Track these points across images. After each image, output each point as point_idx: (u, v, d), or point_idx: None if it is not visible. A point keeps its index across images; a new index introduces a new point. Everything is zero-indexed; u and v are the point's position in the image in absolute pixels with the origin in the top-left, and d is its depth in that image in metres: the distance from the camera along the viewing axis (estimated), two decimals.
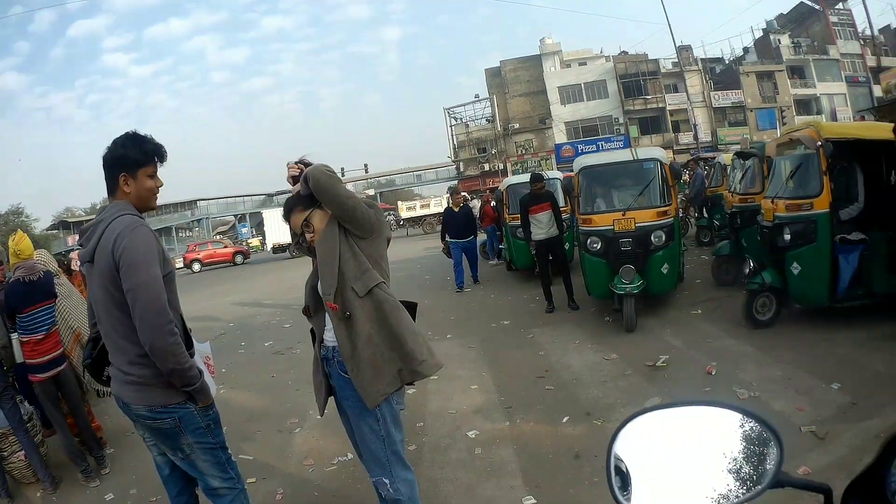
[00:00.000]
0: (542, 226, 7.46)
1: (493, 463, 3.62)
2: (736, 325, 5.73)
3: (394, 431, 2.54)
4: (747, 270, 5.81)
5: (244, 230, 50.55)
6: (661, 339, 5.69)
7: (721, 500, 0.84)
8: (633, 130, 38.31)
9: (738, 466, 0.87)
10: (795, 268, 5.38)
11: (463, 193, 13.44)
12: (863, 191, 5.47)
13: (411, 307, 2.66)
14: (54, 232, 51.06)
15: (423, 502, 2.90)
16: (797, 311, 5.73)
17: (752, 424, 0.90)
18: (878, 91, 33.89)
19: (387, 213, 33.21)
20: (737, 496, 0.84)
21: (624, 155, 7.30)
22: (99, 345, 2.53)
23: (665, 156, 7.01)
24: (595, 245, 6.40)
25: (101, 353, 2.54)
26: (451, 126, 44.45)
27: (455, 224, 10.28)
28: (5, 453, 4.45)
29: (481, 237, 13.16)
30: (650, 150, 7.60)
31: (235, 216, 54.87)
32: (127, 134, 2.35)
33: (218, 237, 45.32)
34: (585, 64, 41.81)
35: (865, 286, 5.37)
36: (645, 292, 6.21)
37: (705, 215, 11.96)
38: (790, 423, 3.76)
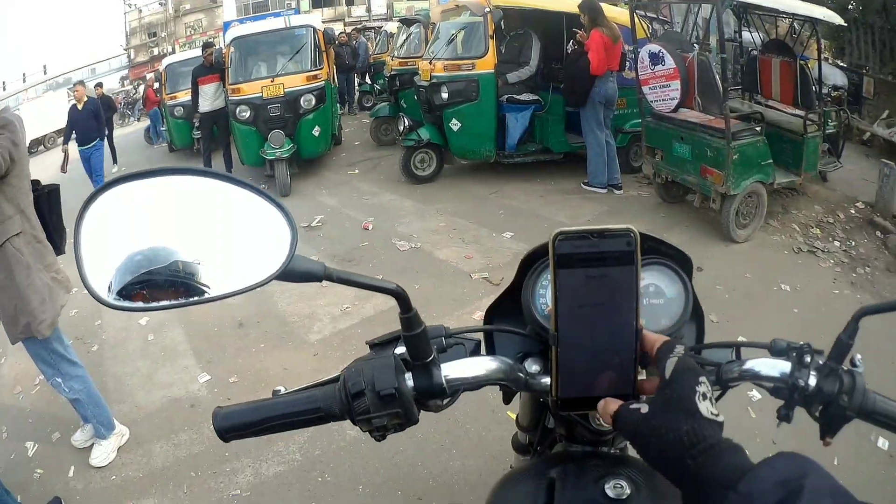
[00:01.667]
0: (206, 97, 7.26)
1: (166, 347, 3.79)
2: (395, 182, 6.12)
3: (51, 340, 2.62)
4: (401, 128, 6.16)
5: None
6: (317, 200, 5.97)
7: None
8: (305, 5, 35.98)
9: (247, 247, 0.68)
10: (455, 124, 5.76)
11: (89, 84, 10.96)
12: (538, 56, 5.90)
13: (54, 193, 2.73)
14: None
15: (114, 401, 3.12)
16: (462, 168, 6.20)
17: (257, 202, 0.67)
18: None
19: None
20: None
21: (277, 23, 7.23)
22: None
23: (319, 23, 7.12)
24: (244, 114, 6.43)
25: None
26: (125, 13, 39.52)
27: (78, 123, 7.68)
28: None
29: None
30: (304, 17, 7.65)
31: None
32: None
33: None
34: None
35: (540, 143, 5.95)
36: (297, 156, 6.45)
37: (368, 81, 12.27)
38: (459, 270, 4.18)
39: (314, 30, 6.87)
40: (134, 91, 22.75)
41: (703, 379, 0.58)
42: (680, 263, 0.81)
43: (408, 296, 0.66)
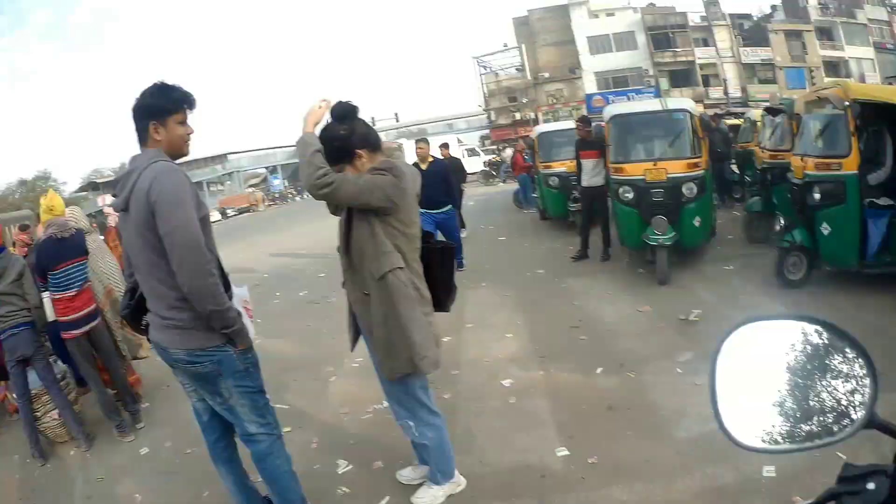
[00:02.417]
0: (586, 172, 7.27)
1: (528, 413, 3.61)
2: (767, 284, 5.60)
3: (415, 382, 2.63)
4: (778, 228, 5.73)
5: (276, 182, 50.47)
6: (694, 294, 5.61)
7: (811, 434, 0.83)
8: (664, 83, 37.80)
9: (832, 396, 0.84)
10: (825, 228, 5.25)
11: (443, 144, 10.00)
12: (891, 156, 5.35)
13: (449, 251, 2.79)
14: (83, 194, 49.57)
15: (459, 451, 2.96)
16: (828, 273, 5.59)
17: (849, 352, 0.85)
18: None
19: None
20: (828, 431, 0.82)
21: (654, 104, 7.16)
22: (136, 294, 2.54)
23: (694, 107, 6.84)
24: (627, 195, 6.30)
25: (138, 303, 2.54)
26: (481, 75, 44.53)
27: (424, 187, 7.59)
28: (38, 413, 4.48)
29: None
30: (680, 100, 7.44)
31: (267, 168, 53.73)
32: (154, 84, 2.35)
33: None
34: (613, 15, 41.11)
35: (893, 254, 5.25)
36: (677, 245, 6.13)
37: (736, 171, 11.63)
38: None
39: (690, 114, 6.62)
40: (498, 153, 25.10)
41: None
42: None
43: None
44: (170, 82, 2.38)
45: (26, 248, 5.48)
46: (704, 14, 38.09)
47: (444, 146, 8.43)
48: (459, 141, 30.30)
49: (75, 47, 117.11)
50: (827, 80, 32.15)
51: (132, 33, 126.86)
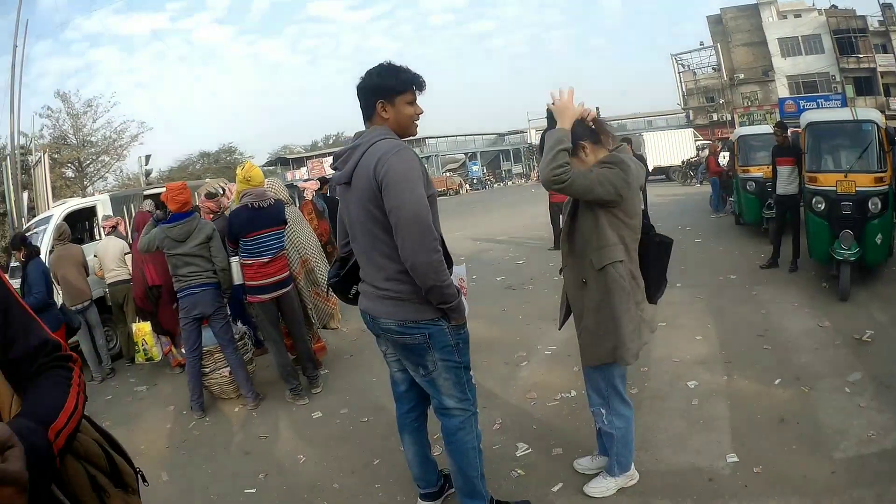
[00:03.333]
0: (781, 179, 7.17)
1: (707, 416, 3.68)
2: None
3: (615, 371, 2.72)
4: None
5: (475, 168, 52.21)
6: (869, 313, 5.41)
7: None
8: (849, 90, 35.16)
9: None
10: None
11: (627, 139, 9.72)
12: None
13: (666, 245, 2.80)
14: (271, 168, 52.07)
15: (637, 446, 3.04)
16: None
17: None
18: None
19: None
20: None
21: (845, 114, 6.86)
22: (349, 264, 2.64)
23: (881, 118, 6.46)
24: (819, 205, 6.14)
25: (349, 272, 2.64)
26: (679, 73, 43.93)
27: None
28: (207, 370, 4.74)
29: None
30: (868, 111, 6.98)
31: (466, 154, 55.32)
32: (382, 64, 2.38)
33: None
34: (800, 16, 39.41)
35: None
36: (859, 261, 5.91)
37: None
38: None
39: (878, 126, 6.27)
40: (697, 153, 24.73)
41: None
42: None
43: None
44: (397, 63, 2.38)
45: (212, 216, 5.65)
46: (882, 18, 34.67)
47: (627, 142, 8.65)
48: (696, 136, 29.59)
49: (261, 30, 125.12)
50: None
51: (324, 17, 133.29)
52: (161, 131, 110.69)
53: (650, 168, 29.49)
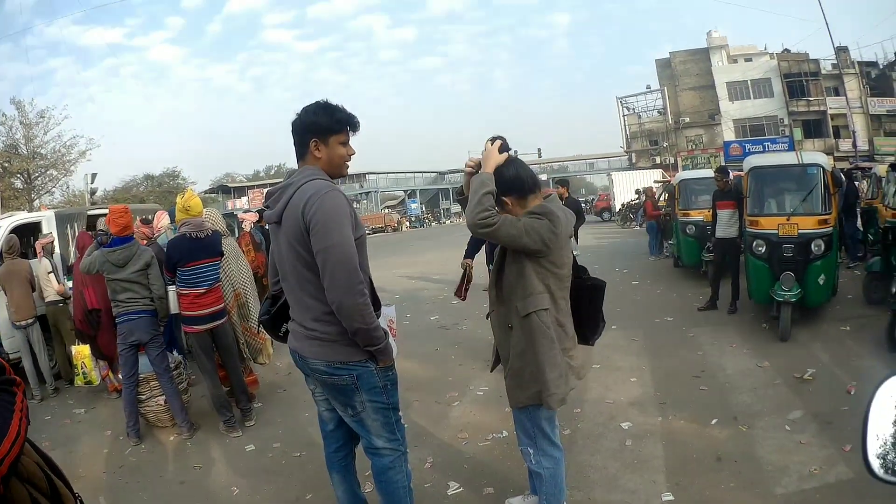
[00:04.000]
0: (721, 223, 7.30)
1: (641, 456, 3.69)
2: (880, 347, 5.43)
3: (541, 413, 2.68)
4: (894, 290, 5.52)
5: (413, 206, 52.17)
6: (810, 352, 5.51)
7: None
8: (797, 133, 36.46)
9: None
10: None
11: (561, 181, 8.77)
12: None
13: (599, 288, 2.80)
14: (212, 196, 52.34)
15: (570, 485, 3.07)
16: None
17: None
18: None
19: None
20: None
21: (789, 157, 7.10)
22: (279, 302, 2.61)
23: (827, 162, 6.67)
24: (760, 249, 6.28)
25: (280, 310, 2.62)
26: (623, 116, 44.91)
27: None
28: (143, 397, 4.70)
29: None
30: (814, 154, 7.23)
31: (405, 191, 55.26)
32: (318, 103, 2.38)
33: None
34: (751, 60, 41.06)
35: None
36: (801, 302, 6.04)
37: (860, 228, 11.04)
38: None
39: (823, 169, 6.47)
40: (637, 198, 25.15)
41: None
42: None
43: None
44: (333, 102, 2.39)
45: (145, 241, 5.55)
46: (835, 62, 36.27)
47: (564, 184, 8.47)
48: (662, 176, 29.72)
49: (206, 54, 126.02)
50: None
51: (275, 45, 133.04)
52: (108, 148, 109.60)
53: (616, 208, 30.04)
